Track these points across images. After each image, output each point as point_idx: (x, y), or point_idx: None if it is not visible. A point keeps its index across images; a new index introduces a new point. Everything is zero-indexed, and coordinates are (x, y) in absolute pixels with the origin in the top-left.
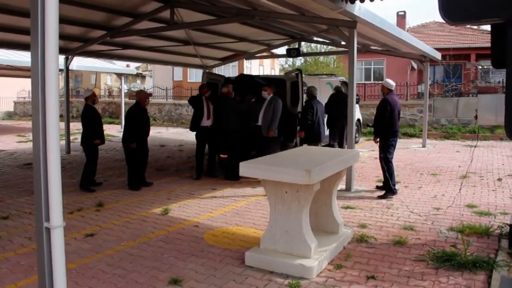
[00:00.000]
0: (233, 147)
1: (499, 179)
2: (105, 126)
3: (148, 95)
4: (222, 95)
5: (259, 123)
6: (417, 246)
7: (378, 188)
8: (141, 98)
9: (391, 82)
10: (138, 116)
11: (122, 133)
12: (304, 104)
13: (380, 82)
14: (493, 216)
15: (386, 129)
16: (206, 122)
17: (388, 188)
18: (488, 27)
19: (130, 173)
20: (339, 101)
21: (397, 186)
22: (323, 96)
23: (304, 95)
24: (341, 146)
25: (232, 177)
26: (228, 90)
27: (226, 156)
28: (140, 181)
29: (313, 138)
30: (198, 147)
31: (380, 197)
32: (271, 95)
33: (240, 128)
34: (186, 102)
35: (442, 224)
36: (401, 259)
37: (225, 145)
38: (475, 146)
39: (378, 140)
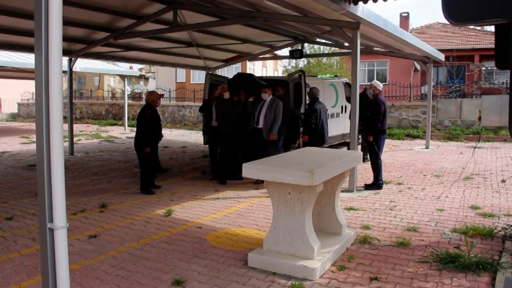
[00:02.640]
0: (222, 148)
1: (503, 181)
2: (108, 128)
3: (160, 96)
4: (217, 96)
5: (260, 125)
6: (420, 247)
7: (366, 185)
8: (153, 99)
9: (379, 83)
10: (154, 119)
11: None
12: (306, 106)
13: (383, 83)
14: (496, 218)
15: (378, 128)
16: (214, 123)
17: (375, 182)
18: (492, 28)
19: (144, 177)
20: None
21: (400, 188)
22: (326, 97)
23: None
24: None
25: (219, 178)
26: (222, 91)
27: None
28: (151, 184)
29: (317, 141)
30: (209, 148)
31: (366, 186)
32: (271, 96)
33: (231, 129)
34: (189, 103)
35: (446, 226)
36: (404, 260)
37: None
38: (475, 147)
39: (372, 138)
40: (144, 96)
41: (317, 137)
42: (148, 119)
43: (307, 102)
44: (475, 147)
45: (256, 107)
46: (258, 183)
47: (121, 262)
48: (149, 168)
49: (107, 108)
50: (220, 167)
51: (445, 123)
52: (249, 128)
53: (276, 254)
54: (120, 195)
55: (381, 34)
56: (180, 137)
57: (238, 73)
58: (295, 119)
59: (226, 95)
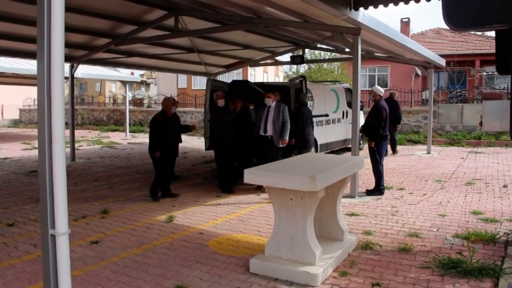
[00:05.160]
0: (216, 156)
1: (505, 186)
2: (109, 134)
3: (176, 103)
4: (212, 103)
5: (269, 133)
6: (422, 253)
7: (367, 191)
8: (167, 106)
9: (380, 88)
10: (165, 125)
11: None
12: (293, 110)
13: (384, 89)
14: (499, 223)
15: (380, 134)
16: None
17: (377, 188)
18: (492, 33)
19: (156, 182)
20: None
21: (402, 193)
22: (327, 103)
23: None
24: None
25: (221, 187)
26: (216, 98)
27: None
28: (166, 192)
29: (302, 145)
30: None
31: (368, 191)
32: (275, 102)
33: (223, 136)
34: (191, 109)
35: (448, 231)
36: (406, 266)
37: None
38: (475, 152)
39: (374, 144)
40: (145, 101)
41: (303, 141)
42: (159, 124)
43: (295, 106)
44: (472, 152)
45: (259, 114)
46: (259, 189)
47: (123, 268)
48: (163, 175)
49: (108, 114)
50: (220, 174)
51: (447, 128)
52: (252, 137)
53: (277, 260)
54: (122, 201)
55: (381, 40)
56: (181, 143)
57: (234, 80)
58: None
59: (220, 103)
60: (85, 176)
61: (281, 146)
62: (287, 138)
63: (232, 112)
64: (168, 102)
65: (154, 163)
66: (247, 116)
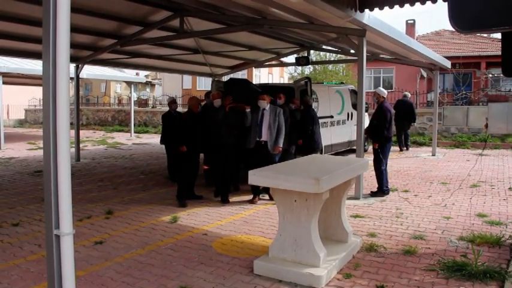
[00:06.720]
0: (217, 164)
1: (510, 188)
2: (114, 134)
3: (202, 100)
4: (209, 104)
5: (263, 138)
6: (427, 255)
7: (372, 193)
8: (193, 105)
9: (384, 90)
10: (195, 122)
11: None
12: (300, 112)
13: (389, 91)
14: (504, 226)
15: (384, 135)
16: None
17: (380, 189)
18: (499, 35)
19: (180, 185)
20: (402, 107)
21: (406, 195)
22: (332, 104)
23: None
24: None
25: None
26: (213, 97)
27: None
28: (189, 194)
29: (311, 147)
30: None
31: (372, 193)
32: (269, 104)
33: (220, 142)
34: None
35: (452, 234)
36: (411, 268)
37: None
38: (481, 154)
39: (377, 146)
40: (150, 102)
41: (312, 142)
42: (186, 121)
43: (302, 109)
44: (480, 155)
45: (254, 118)
46: (256, 197)
47: (127, 269)
48: (185, 175)
49: (113, 115)
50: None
51: (452, 130)
52: (249, 143)
53: (281, 262)
54: (126, 201)
55: (387, 41)
56: None
57: (231, 78)
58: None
59: (217, 103)
60: (90, 176)
61: (275, 153)
62: (281, 145)
63: (220, 110)
64: (195, 102)
65: (181, 164)
66: (242, 119)
